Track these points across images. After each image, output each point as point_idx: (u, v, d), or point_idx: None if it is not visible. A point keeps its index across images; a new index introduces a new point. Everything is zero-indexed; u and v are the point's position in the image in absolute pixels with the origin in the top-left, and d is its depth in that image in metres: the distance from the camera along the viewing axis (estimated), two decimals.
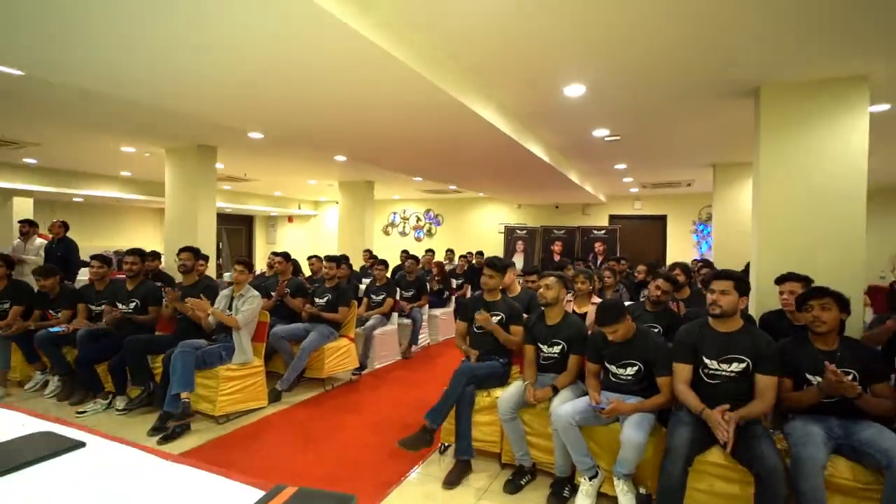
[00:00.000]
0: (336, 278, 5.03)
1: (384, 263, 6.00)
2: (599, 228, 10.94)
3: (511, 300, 3.49)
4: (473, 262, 9.16)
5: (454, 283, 7.61)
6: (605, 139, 5.30)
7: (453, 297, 7.43)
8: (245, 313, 3.83)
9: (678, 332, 2.62)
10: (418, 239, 13.63)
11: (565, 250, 11.18)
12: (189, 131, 5.56)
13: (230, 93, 3.45)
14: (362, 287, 6.18)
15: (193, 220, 6.30)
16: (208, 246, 6.31)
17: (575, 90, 3.82)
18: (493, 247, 12.07)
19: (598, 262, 10.84)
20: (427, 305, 6.56)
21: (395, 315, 5.80)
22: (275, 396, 4.18)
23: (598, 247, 10.88)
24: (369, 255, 8.68)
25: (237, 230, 14.67)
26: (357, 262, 8.59)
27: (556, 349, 3.02)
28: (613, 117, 4.67)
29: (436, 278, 7.28)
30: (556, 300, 3.05)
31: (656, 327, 3.20)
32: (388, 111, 3.90)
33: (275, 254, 5.43)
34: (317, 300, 4.92)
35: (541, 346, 3.07)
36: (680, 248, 10.69)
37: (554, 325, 3.05)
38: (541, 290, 3.08)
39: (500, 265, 3.47)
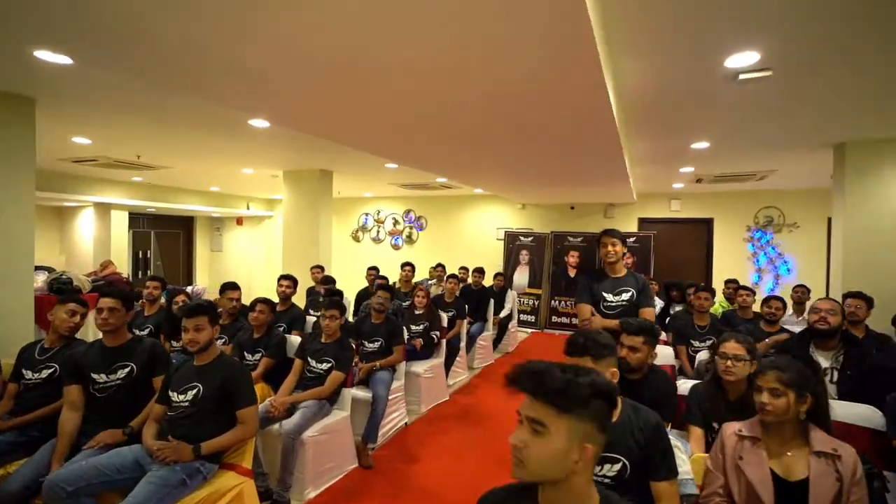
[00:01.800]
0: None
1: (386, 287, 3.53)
2: (629, 235, 8.56)
3: None
4: (470, 282, 6.65)
5: (444, 316, 5.09)
6: (743, 76, 2.83)
7: (444, 342, 4.92)
8: None
9: None
10: (396, 246, 11.07)
11: (584, 262, 8.76)
12: None
13: None
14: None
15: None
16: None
17: None
18: (491, 257, 9.58)
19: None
20: (400, 364, 4.04)
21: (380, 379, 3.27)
22: None
23: (627, 259, 8.49)
24: (320, 271, 6.09)
25: (172, 234, 11.90)
26: (305, 281, 6.02)
27: None
28: (769, 28, 2.27)
29: (417, 311, 4.77)
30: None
31: None
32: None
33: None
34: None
35: None
36: (731, 260, 8.35)
37: None
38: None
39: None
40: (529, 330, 8.91)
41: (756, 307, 4.44)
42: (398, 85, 2.70)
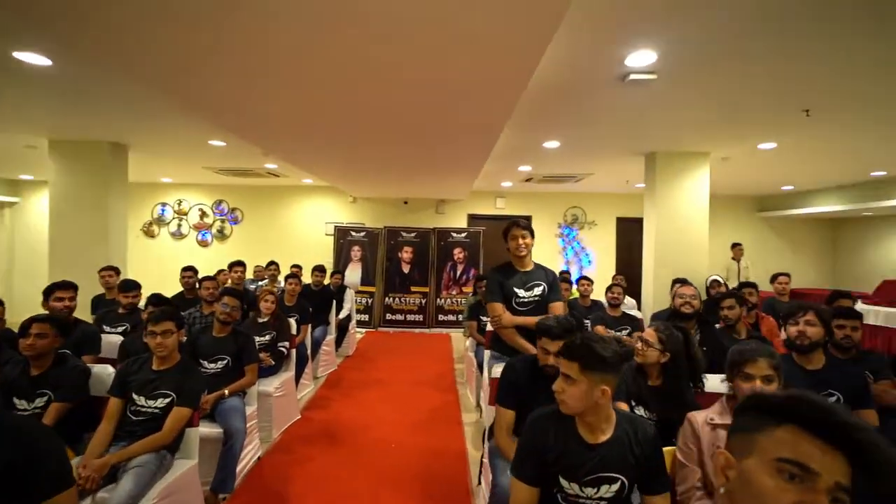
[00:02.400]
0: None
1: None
2: (459, 231, 8.82)
3: None
4: (311, 284, 5.95)
5: (293, 324, 4.38)
6: (634, 76, 2.94)
7: (293, 352, 4.22)
8: None
9: None
10: (203, 243, 9.45)
11: (417, 258, 8.74)
12: None
13: None
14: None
15: None
16: None
17: None
18: (319, 254, 8.88)
19: (458, 272, 8.72)
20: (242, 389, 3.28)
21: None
22: None
23: (458, 253, 8.75)
24: (114, 273, 4.71)
25: None
26: (91, 286, 4.60)
27: None
28: (663, 27, 2.40)
29: (261, 318, 3.99)
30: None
31: None
32: None
33: None
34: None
35: None
36: (546, 255, 9.29)
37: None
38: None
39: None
40: (363, 329, 8.52)
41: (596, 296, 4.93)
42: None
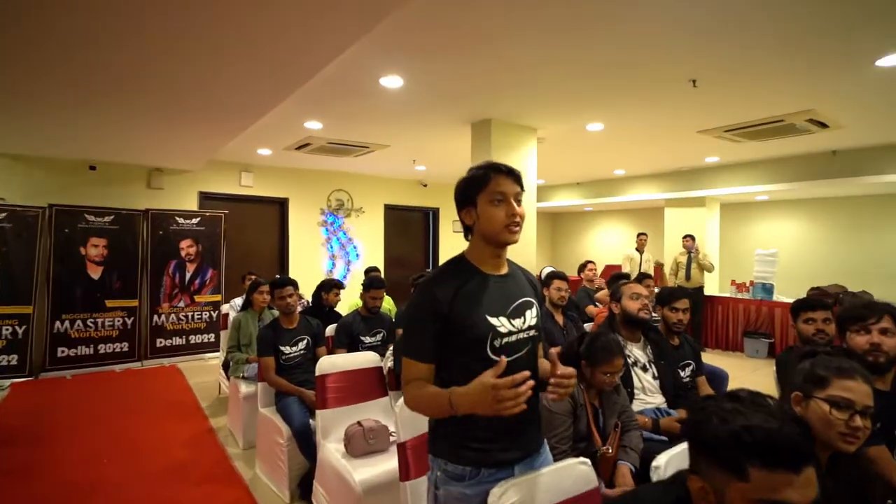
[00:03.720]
0: None
1: None
2: (188, 214, 6.11)
3: None
4: None
5: None
6: None
7: None
8: None
9: None
10: None
11: (115, 256, 5.63)
12: None
13: None
14: None
15: None
16: None
17: None
18: None
19: (188, 275, 6.06)
20: None
21: None
22: None
23: (188, 247, 6.06)
24: None
25: None
26: None
27: None
28: None
29: None
30: None
31: None
32: None
33: None
34: None
35: None
36: (307, 246, 7.44)
37: None
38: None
39: None
40: (7, 381, 4.98)
41: None
42: None
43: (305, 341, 3.07)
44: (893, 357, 1.73)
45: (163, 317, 5.87)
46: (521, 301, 1.35)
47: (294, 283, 3.12)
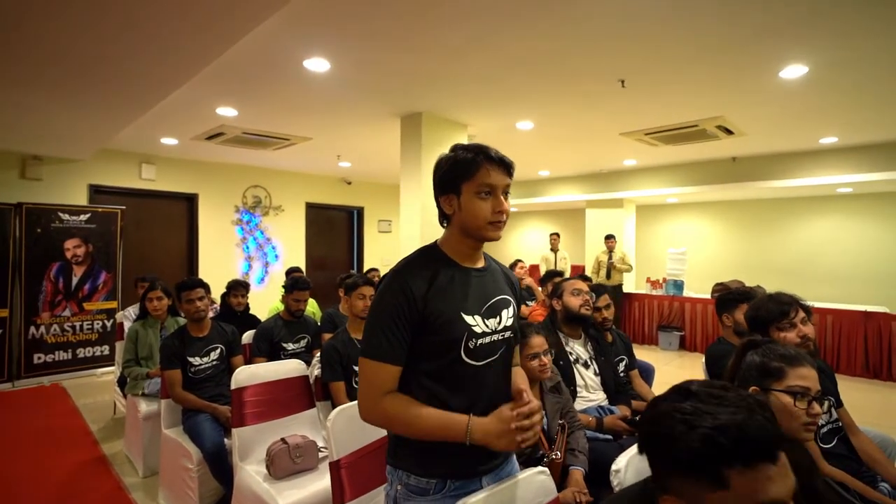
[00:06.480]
0: None
1: None
2: (75, 210, 5.34)
3: None
4: None
5: None
6: None
7: None
8: None
9: None
10: None
11: None
12: None
13: None
14: None
15: None
16: None
17: None
18: None
19: (74, 280, 5.31)
20: None
21: None
22: None
23: (74, 247, 5.30)
24: None
25: None
26: None
27: None
28: None
29: None
30: None
31: None
32: None
33: None
34: None
35: None
36: (219, 247, 6.83)
37: None
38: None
39: None
40: None
41: None
42: None
43: (219, 350, 2.73)
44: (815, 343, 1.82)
45: (42, 328, 5.07)
46: (497, 299, 1.22)
47: (205, 285, 2.76)
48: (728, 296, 2.33)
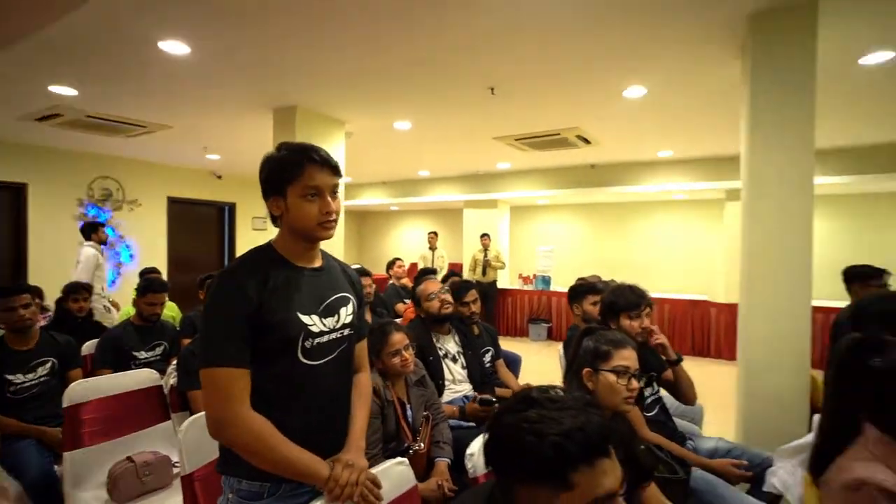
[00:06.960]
0: None
1: None
2: None
3: None
4: None
5: None
6: None
7: None
8: None
9: None
10: None
11: None
12: None
13: None
14: None
15: None
16: None
17: None
18: None
19: None
20: None
21: None
22: None
23: None
24: None
25: None
26: None
27: None
28: None
29: None
30: None
31: None
32: None
33: None
34: None
35: None
36: (55, 247, 5.91)
37: None
38: None
39: None
40: None
41: None
42: None
43: (49, 365, 2.38)
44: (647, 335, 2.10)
45: None
46: (335, 297, 1.23)
47: (31, 290, 2.40)
48: (577, 288, 2.61)
